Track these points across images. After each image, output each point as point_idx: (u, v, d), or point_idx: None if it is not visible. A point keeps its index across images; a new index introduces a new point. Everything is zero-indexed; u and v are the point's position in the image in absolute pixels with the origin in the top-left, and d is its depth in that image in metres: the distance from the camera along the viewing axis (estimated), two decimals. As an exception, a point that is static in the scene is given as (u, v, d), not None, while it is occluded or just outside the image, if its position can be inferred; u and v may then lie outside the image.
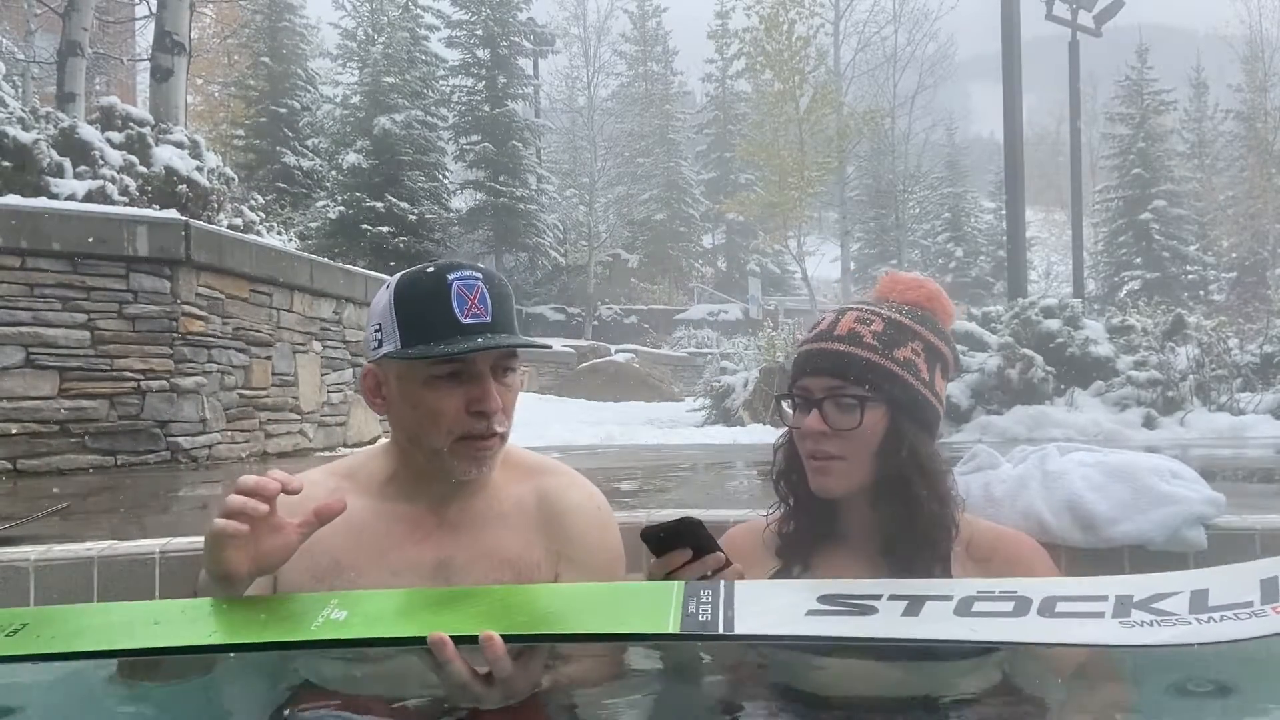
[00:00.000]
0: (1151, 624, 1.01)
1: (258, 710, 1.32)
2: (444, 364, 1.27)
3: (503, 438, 1.33)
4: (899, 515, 1.31)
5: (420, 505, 1.36)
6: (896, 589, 1.13)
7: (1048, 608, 1.06)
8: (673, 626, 1.05)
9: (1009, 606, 1.07)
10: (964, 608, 1.07)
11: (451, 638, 1.02)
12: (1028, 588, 1.11)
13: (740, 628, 1.04)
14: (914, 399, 1.32)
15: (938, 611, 1.07)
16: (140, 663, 1.25)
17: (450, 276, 1.28)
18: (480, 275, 1.30)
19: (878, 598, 1.10)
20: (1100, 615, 1.04)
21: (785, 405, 1.40)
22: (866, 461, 1.31)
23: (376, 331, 1.31)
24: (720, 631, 1.04)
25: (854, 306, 1.39)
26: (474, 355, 1.26)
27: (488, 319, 1.27)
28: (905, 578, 1.31)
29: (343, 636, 1.04)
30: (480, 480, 1.38)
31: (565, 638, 1.04)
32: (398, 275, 1.33)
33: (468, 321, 1.26)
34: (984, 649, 1.20)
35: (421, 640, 1.02)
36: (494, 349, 1.27)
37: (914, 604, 1.08)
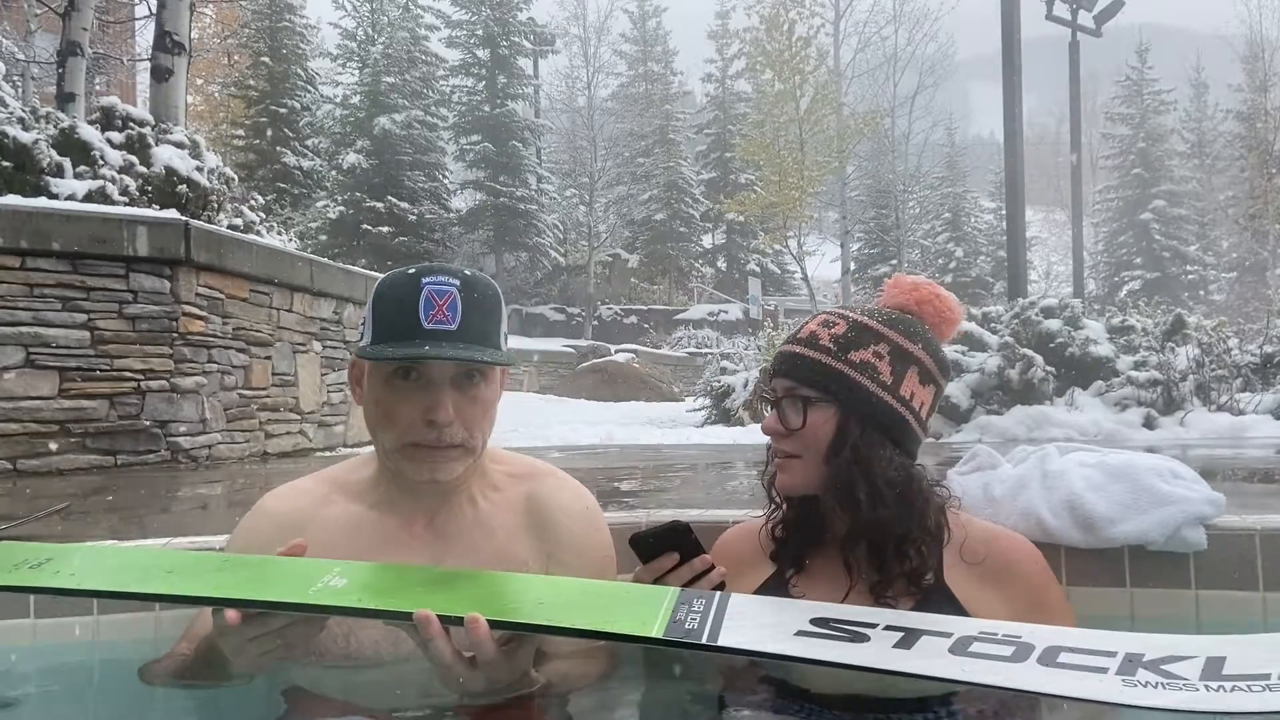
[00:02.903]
0: (1156, 686, 0.96)
1: (255, 717, 1.32)
2: (399, 366, 1.26)
3: (465, 449, 1.29)
4: (847, 517, 1.33)
5: (410, 512, 1.36)
6: (895, 620, 1.11)
7: (1049, 657, 1.03)
8: (658, 631, 1.05)
9: (1008, 651, 1.04)
10: (961, 647, 1.05)
11: (439, 617, 1.02)
12: (1032, 634, 1.08)
13: (724, 640, 1.04)
14: (866, 401, 1.31)
15: (932, 647, 1.05)
16: (166, 667, 1.27)
17: (425, 280, 1.25)
18: (459, 282, 1.25)
19: (873, 626, 1.09)
20: (1103, 671, 0.99)
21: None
22: (819, 461, 1.33)
23: (362, 324, 1.33)
24: (704, 641, 1.04)
25: (832, 310, 1.42)
26: (430, 362, 1.24)
27: (453, 326, 1.23)
28: (876, 578, 1.30)
29: (335, 604, 1.05)
30: (469, 485, 1.38)
31: (548, 629, 1.05)
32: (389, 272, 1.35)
33: (430, 326, 1.22)
34: None
35: (409, 616, 1.03)
36: (435, 359, 1.22)
37: (909, 637, 1.07)
